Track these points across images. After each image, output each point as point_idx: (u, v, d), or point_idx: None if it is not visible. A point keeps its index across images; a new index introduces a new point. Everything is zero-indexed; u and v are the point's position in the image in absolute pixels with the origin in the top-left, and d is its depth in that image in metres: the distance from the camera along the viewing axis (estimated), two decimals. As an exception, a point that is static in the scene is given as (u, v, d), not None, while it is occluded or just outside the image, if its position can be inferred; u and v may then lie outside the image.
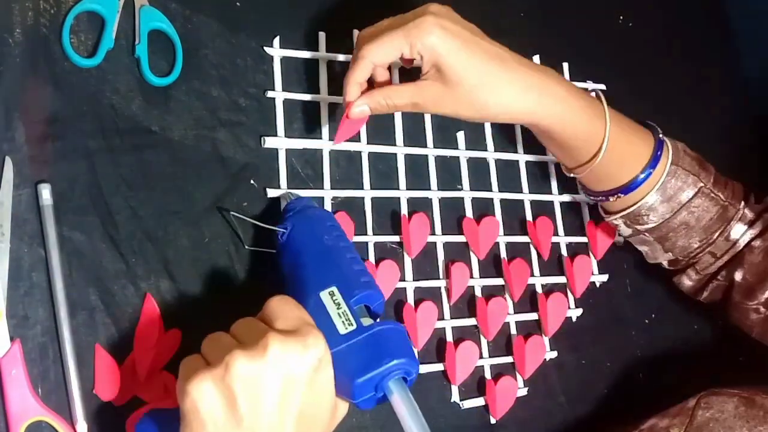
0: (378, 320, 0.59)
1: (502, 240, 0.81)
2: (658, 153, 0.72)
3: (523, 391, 0.79)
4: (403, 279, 0.75)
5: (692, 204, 0.74)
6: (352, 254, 0.63)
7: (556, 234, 0.85)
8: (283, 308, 0.54)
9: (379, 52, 0.64)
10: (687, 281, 0.81)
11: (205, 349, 0.53)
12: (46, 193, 0.61)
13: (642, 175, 0.72)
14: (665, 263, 0.81)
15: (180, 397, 0.50)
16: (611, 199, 0.74)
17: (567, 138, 0.70)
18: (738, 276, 0.76)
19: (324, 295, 0.57)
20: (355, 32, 0.78)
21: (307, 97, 0.74)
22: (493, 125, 0.84)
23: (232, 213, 0.68)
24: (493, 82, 0.65)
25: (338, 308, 0.57)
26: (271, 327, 0.52)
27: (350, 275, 0.60)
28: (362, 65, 0.64)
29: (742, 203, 0.76)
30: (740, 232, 0.76)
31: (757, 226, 0.76)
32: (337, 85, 0.75)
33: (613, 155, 0.70)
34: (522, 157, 0.85)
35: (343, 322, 0.56)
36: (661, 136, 0.74)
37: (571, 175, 0.76)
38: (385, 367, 0.53)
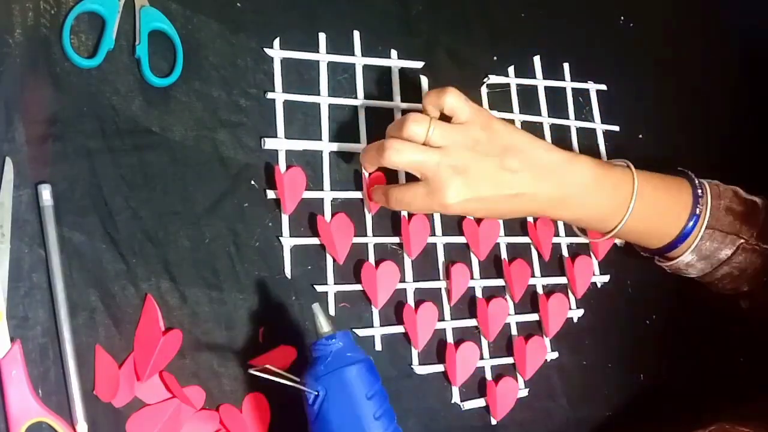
0: None
1: (503, 241, 0.81)
2: (693, 220, 0.73)
3: (523, 392, 0.79)
4: (403, 280, 0.75)
5: (733, 260, 0.74)
6: (389, 419, 0.59)
7: (556, 234, 0.85)
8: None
9: (398, 202, 0.69)
10: (742, 304, 0.82)
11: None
12: (46, 193, 0.61)
13: (676, 241, 0.74)
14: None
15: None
16: (654, 257, 0.78)
17: (583, 226, 0.77)
18: None
19: None
20: (356, 33, 0.78)
21: (307, 98, 0.74)
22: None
23: (255, 370, 0.58)
24: (508, 216, 0.73)
25: None
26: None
27: None
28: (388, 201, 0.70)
29: None
30: None
31: None
32: (335, 86, 0.75)
33: (637, 230, 0.74)
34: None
35: None
36: (699, 195, 0.74)
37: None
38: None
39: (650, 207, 0.73)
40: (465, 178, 0.65)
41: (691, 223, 0.73)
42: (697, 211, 0.74)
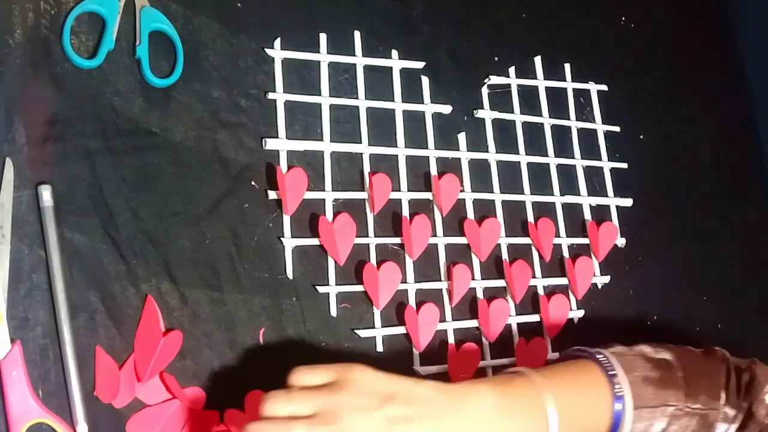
0: None
1: (504, 241, 0.81)
2: (619, 408, 0.63)
3: (524, 393, 0.79)
4: (404, 281, 0.75)
5: (669, 429, 0.66)
6: None
7: (557, 235, 0.85)
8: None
9: None
10: None
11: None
12: (46, 194, 0.61)
13: None
14: None
15: None
16: None
17: None
18: None
19: None
20: (357, 33, 0.78)
21: (308, 98, 0.74)
22: (494, 129, 0.84)
23: None
24: None
25: None
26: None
27: None
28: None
29: (722, 399, 0.67)
30: None
31: (737, 419, 0.67)
32: (336, 86, 0.75)
33: None
34: (523, 159, 0.85)
35: None
36: (613, 376, 0.64)
37: None
38: None
39: (573, 416, 0.62)
40: None
41: (618, 409, 0.64)
42: (618, 394, 0.64)
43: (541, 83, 0.88)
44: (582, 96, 0.92)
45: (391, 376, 0.59)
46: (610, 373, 0.65)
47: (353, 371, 0.58)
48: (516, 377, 0.63)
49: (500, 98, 0.86)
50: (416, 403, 0.57)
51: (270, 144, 0.71)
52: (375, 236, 0.74)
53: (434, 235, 0.77)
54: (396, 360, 0.73)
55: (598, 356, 0.66)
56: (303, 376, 0.57)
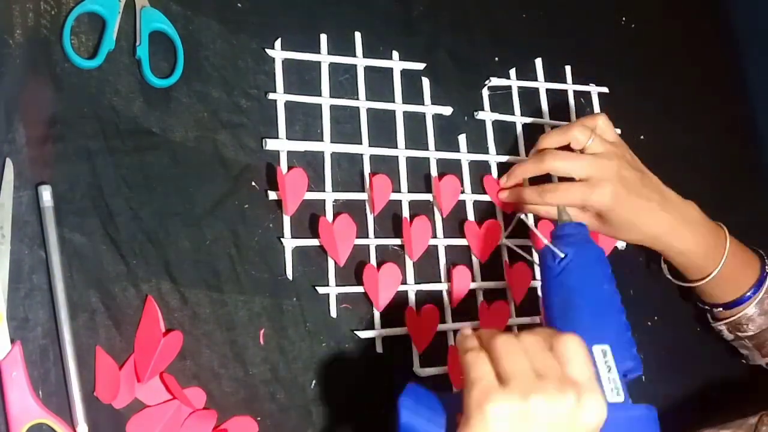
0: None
1: (504, 243, 0.81)
2: (761, 280, 0.81)
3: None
4: (404, 282, 0.74)
5: None
6: (625, 317, 0.64)
7: (558, 237, 0.84)
8: (580, 355, 0.52)
9: (556, 197, 0.75)
10: None
11: (499, 356, 0.52)
12: (46, 194, 0.61)
13: (747, 295, 0.81)
14: (765, 365, 0.87)
15: (473, 407, 0.50)
16: (716, 310, 0.84)
17: (685, 264, 0.81)
18: None
19: (596, 350, 0.57)
20: (357, 34, 0.78)
21: (308, 98, 0.74)
22: (495, 130, 0.84)
23: (520, 216, 0.75)
24: (639, 229, 0.78)
25: (608, 371, 0.56)
26: (562, 366, 0.52)
27: (624, 341, 0.62)
28: (543, 194, 0.76)
29: None
30: None
31: None
32: (336, 87, 0.75)
33: (723, 278, 0.80)
34: (523, 160, 0.84)
35: (612, 389, 0.56)
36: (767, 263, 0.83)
37: (685, 284, 0.84)
38: None
39: (735, 257, 0.81)
40: (617, 183, 0.75)
41: (762, 280, 0.81)
42: (767, 269, 0.83)
43: (542, 85, 0.88)
44: (583, 97, 0.92)
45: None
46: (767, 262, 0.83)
47: (628, 150, 0.79)
48: None
49: (501, 100, 0.86)
50: (657, 186, 0.79)
51: (270, 144, 0.71)
52: (375, 237, 0.74)
53: (434, 236, 0.77)
54: (396, 361, 0.73)
55: (764, 256, 0.84)
56: (602, 121, 0.78)
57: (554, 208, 0.73)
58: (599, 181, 0.75)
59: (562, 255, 0.65)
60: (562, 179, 0.79)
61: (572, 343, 0.52)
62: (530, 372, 0.50)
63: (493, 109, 0.84)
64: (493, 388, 0.50)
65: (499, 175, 0.82)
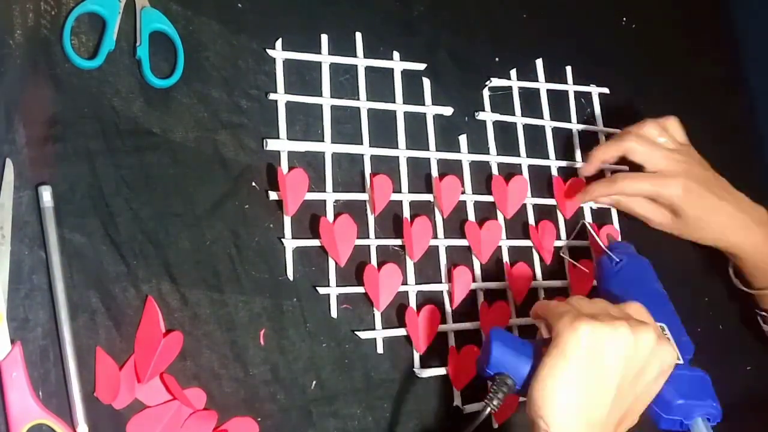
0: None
1: (505, 244, 0.81)
2: None
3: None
4: (405, 282, 0.74)
5: None
6: (676, 313, 0.72)
7: (558, 238, 0.84)
8: (647, 315, 0.59)
9: (630, 187, 0.80)
10: None
11: (580, 306, 0.58)
12: (46, 195, 0.60)
13: None
14: None
15: (565, 328, 0.55)
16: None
17: (755, 267, 0.83)
18: None
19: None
20: (358, 35, 0.78)
21: (309, 99, 0.74)
22: (495, 130, 0.84)
23: (586, 222, 0.83)
24: (711, 227, 0.80)
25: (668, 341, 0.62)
26: None
27: (678, 323, 0.70)
28: (613, 183, 0.81)
29: None
30: None
31: None
32: (337, 87, 0.75)
33: None
34: (524, 161, 0.84)
35: None
36: None
37: (752, 291, 0.86)
38: (705, 403, 0.64)
39: None
40: (688, 178, 0.78)
41: None
42: None
43: (543, 85, 0.88)
44: (583, 98, 0.92)
45: None
46: None
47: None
48: None
49: (501, 100, 0.86)
50: (728, 189, 0.82)
51: (271, 145, 0.71)
52: (376, 237, 0.74)
53: (435, 236, 0.77)
54: (396, 362, 0.73)
55: None
56: (673, 123, 0.83)
57: (619, 197, 0.80)
58: (671, 173, 0.78)
59: (618, 259, 0.75)
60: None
61: (638, 306, 0.60)
62: (610, 312, 0.57)
63: (493, 110, 0.84)
64: (582, 316, 0.55)
65: (500, 173, 0.82)
